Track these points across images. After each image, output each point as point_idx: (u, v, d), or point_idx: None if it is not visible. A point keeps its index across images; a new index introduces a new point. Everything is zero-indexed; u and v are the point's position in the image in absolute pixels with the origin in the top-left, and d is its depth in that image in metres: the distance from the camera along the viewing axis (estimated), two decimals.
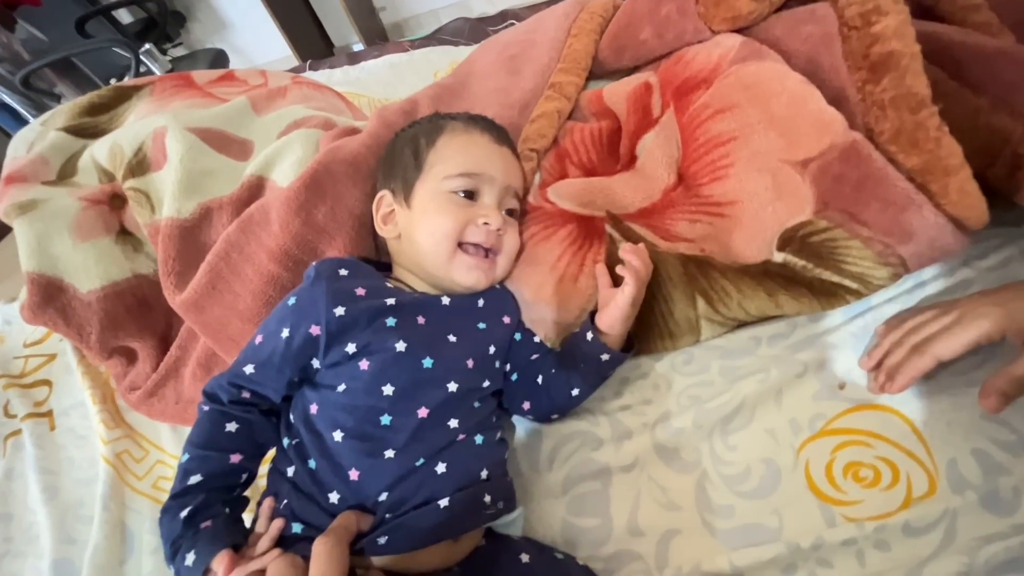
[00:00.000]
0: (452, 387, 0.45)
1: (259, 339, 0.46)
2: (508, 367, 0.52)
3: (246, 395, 0.45)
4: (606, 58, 0.69)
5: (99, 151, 0.69)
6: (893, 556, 0.39)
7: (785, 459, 0.45)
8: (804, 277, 0.48)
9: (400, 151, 0.56)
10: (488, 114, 0.68)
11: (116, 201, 0.69)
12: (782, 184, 0.47)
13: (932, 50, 0.43)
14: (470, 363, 0.47)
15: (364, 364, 0.44)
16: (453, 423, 0.44)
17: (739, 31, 0.56)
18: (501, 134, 0.57)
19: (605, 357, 0.48)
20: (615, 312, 0.47)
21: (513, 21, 1.24)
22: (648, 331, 0.51)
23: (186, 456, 0.44)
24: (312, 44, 2.76)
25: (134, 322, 0.68)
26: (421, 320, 0.47)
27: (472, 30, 1.29)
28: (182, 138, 0.64)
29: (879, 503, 0.41)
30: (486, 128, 0.56)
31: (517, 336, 0.53)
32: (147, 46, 1.83)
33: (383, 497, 0.41)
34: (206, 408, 0.45)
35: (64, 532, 0.62)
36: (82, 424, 0.73)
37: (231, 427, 0.44)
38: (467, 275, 0.50)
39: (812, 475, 0.44)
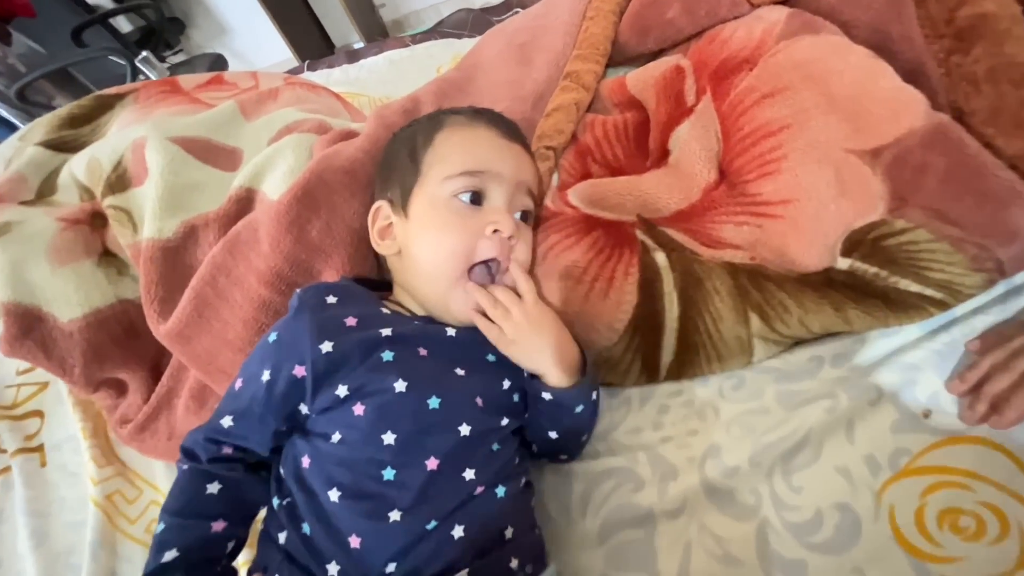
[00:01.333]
0: (464, 430, 0.38)
1: (239, 383, 0.40)
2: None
3: (227, 451, 0.40)
4: (627, 41, 0.62)
5: (77, 166, 0.64)
6: None
7: (864, 504, 0.38)
8: (876, 287, 0.40)
9: (396, 153, 0.49)
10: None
11: (97, 220, 0.64)
12: (847, 178, 0.40)
13: None
14: (479, 401, 0.41)
15: (359, 409, 0.38)
16: (469, 474, 0.38)
17: (784, 2, 0.49)
18: (510, 128, 0.50)
19: (547, 397, 0.41)
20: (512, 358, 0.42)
21: (518, 10, 1.17)
22: (691, 353, 0.45)
23: (161, 526, 0.38)
24: (313, 45, 2.71)
25: (121, 352, 0.63)
26: (423, 352, 0.41)
27: (475, 21, 1.23)
28: (163, 149, 0.58)
29: (988, 560, 0.34)
30: (492, 122, 0.49)
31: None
32: (144, 53, 1.79)
33: (391, 569, 0.35)
34: (184, 467, 0.39)
35: None
36: (74, 460, 0.68)
37: (212, 488, 0.38)
38: (464, 309, 0.43)
39: (899, 524, 0.37)
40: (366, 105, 1.06)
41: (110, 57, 1.84)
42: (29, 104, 1.63)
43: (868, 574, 0.36)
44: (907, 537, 0.36)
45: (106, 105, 0.74)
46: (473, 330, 0.44)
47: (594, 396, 0.44)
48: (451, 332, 0.43)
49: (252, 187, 0.57)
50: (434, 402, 0.38)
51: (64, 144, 0.71)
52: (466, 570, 0.34)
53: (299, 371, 0.38)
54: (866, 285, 0.41)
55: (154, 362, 0.66)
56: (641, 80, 0.55)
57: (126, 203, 0.60)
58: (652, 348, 0.45)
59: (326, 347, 0.38)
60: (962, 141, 0.36)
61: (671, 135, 0.51)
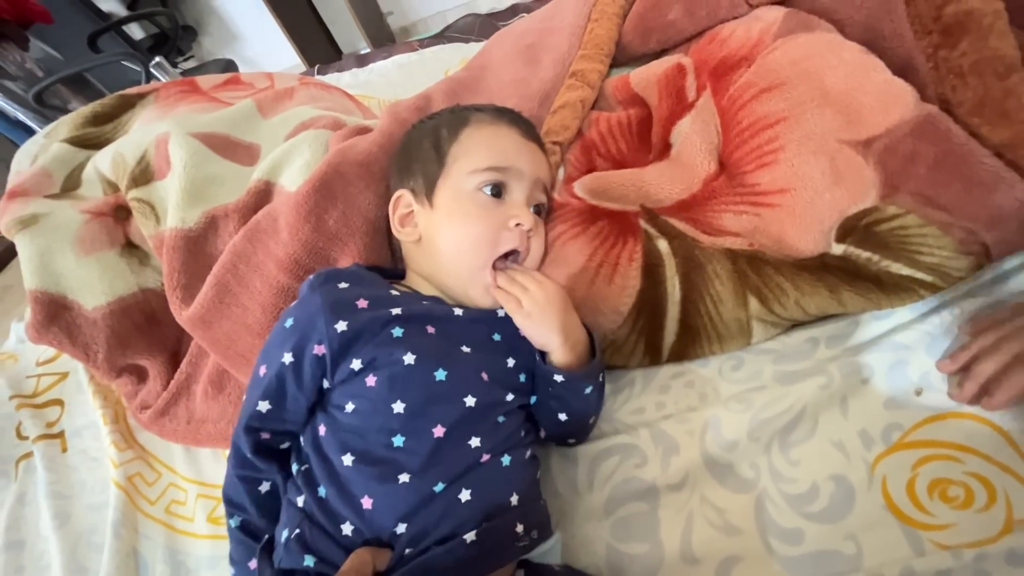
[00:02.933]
0: (470, 401, 0.41)
1: (263, 370, 0.42)
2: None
3: (266, 436, 0.42)
4: (631, 42, 0.64)
5: (102, 161, 0.66)
6: None
7: (858, 476, 0.40)
8: (869, 271, 0.42)
9: (418, 145, 0.52)
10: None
11: (121, 213, 0.67)
12: (841, 167, 0.42)
13: (1017, 6, 0.38)
14: (484, 376, 0.43)
15: (371, 380, 0.40)
16: (475, 442, 0.40)
17: (780, 3, 0.51)
18: (529, 128, 0.53)
19: (559, 378, 0.43)
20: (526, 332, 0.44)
21: (524, 15, 1.20)
22: (692, 334, 0.47)
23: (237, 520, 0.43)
24: (321, 51, 2.76)
25: (143, 339, 0.65)
26: (431, 330, 0.43)
27: (482, 26, 1.26)
28: (185, 144, 0.61)
29: (975, 527, 0.36)
30: (513, 121, 0.52)
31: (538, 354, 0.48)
32: (157, 59, 1.83)
33: (401, 529, 0.37)
34: (233, 474, 0.44)
35: (76, 561, 0.59)
36: (94, 445, 0.70)
37: (263, 488, 0.43)
38: (485, 296, 0.46)
39: (892, 494, 0.39)
40: (376, 107, 1.09)
41: (125, 63, 1.89)
42: (46, 107, 1.67)
43: (861, 540, 0.38)
44: (899, 506, 0.38)
45: (128, 104, 0.77)
46: (479, 312, 0.46)
47: (601, 379, 0.46)
48: (458, 312, 0.45)
49: (270, 180, 0.60)
50: (440, 374, 0.41)
51: (87, 141, 0.74)
52: (474, 532, 0.36)
53: (319, 350, 0.40)
54: (860, 269, 0.43)
55: (173, 350, 0.68)
56: (644, 78, 0.57)
57: (149, 196, 0.62)
58: (655, 330, 0.47)
59: (341, 326, 0.40)
60: (949, 131, 0.38)
61: (673, 129, 0.53)
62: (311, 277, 0.45)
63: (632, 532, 0.43)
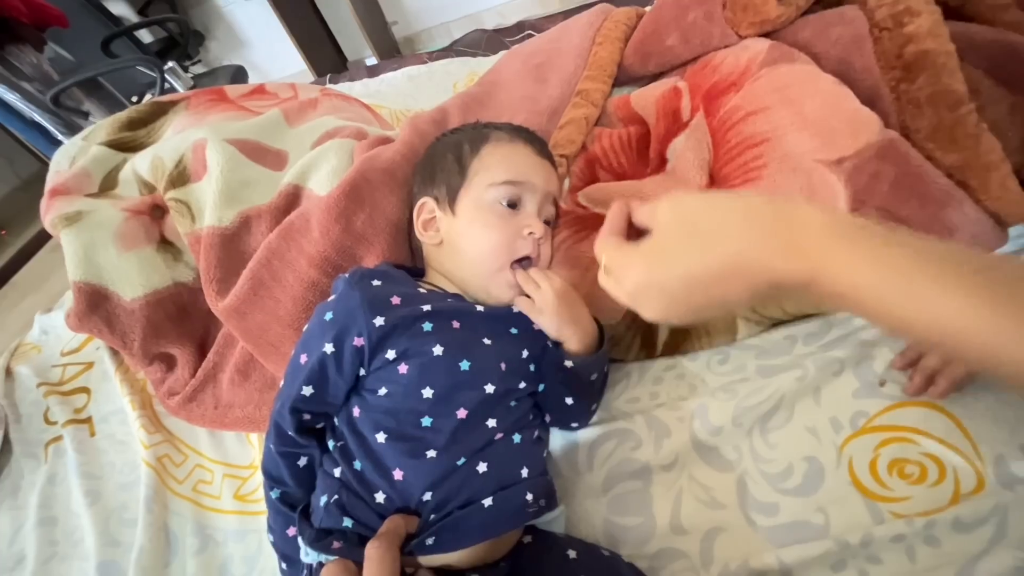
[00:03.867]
0: (489, 388, 0.46)
1: (303, 358, 0.47)
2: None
3: (307, 417, 0.47)
4: (631, 65, 0.70)
5: (140, 164, 0.71)
6: (944, 552, 0.39)
7: (828, 457, 0.45)
8: None
9: (442, 157, 0.57)
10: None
11: (157, 212, 0.72)
12: (816, 184, 0.48)
13: (965, 48, 0.44)
14: (503, 366, 0.48)
15: (403, 368, 0.45)
16: (491, 423, 0.45)
17: (766, 35, 0.57)
18: (543, 147, 0.58)
19: (568, 364, 0.48)
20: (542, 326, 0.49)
21: (530, 32, 1.27)
22: (684, 330, 0.52)
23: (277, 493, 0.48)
24: (326, 59, 2.81)
25: (174, 328, 0.70)
26: (456, 324, 0.48)
27: (489, 41, 1.32)
28: (221, 150, 0.66)
29: (927, 499, 0.41)
30: (529, 139, 0.57)
31: (548, 343, 0.53)
32: (170, 64, 1.88)
33: (427, 497, 0.42)
34: (273, 448, 0.48)
35: (108, 535, 0.63)
36: (121, 430, 0.74)
37: (301, 463, 0.48)
38: (506, 292, 0.51)
39: (856, 472, 0.44)
40: (388, 116, 1.14)
41: (139, 67, 1.94)
42: (62, 108, 1.72)
43: (829, 512, 0.43)
44: (862, 482, 0.43)
45: (161, 111, 0.82)
46: (498, 308, 0.51)
47: (605, 369, 0.51)
48: (480, 308, 0.50)
49: (300, 184, 0.65)
50: (465, 364, 0.46)
51: (123, 144, 0.79)
52: (490, 498, 0.41)
53: (358, 341, 0.45)
54: None
55: (201, 340, 0.73)
56: (644, 98, 0.63)
57: (186, 196, 0.67)
58: (650, 326, 0.53)
59: (379, 321, 0.45)
60: (908, 154, 0.44)
61: (669, 146, 0.59)
62: (347, 275, 0.50)
63: (627, 507, 0.48)
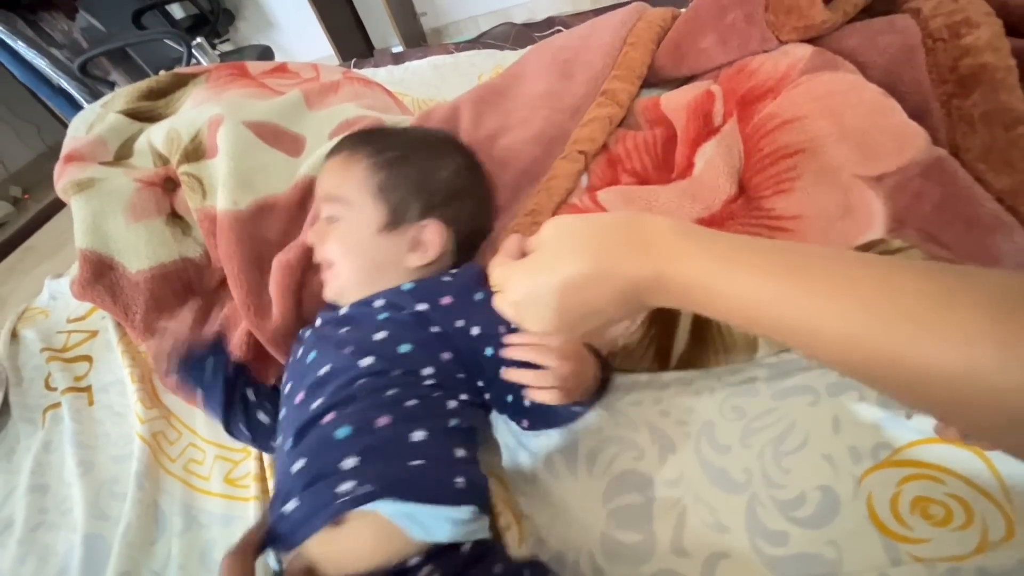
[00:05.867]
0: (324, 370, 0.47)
1: None
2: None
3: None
4: (663, 66, 0.67)
5: (156, 135, 0.71)
6: None
7: (844, 488, 0.43)
8: None
9: None
10: (537, 117, 0.67)
11: (169, 184, 0.71)
12: (853, 201, 0.45)
13: None
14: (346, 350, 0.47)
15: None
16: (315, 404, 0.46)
17: (809, 41, 0.55)
18: (331, 151, 0.58)
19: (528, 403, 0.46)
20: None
21: (560, 28, 1.24)
22: (702, 345, 0.50)
23: None
24: (353, 45, 2.81)
25: (178, 304, 0.69)
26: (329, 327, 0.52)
27: (518, 35, 1.30)
28: (236, 132, 0.65)
29: (950, 544, 0.39)
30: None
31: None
32: (199, 39, 1.88)
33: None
34: None
35: (98, 507, 0.62)
36: (119, 401, 0.74)
37: None
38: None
39: (875, 507, 0.41)
40: (410, 104, 1.13)
41: (167, 41, 1.95)
42: (88, 77, 1.73)
43: (843, 546, 0.40)
44: (881, 518, 0.41)
45: (181, 82, 0.81)
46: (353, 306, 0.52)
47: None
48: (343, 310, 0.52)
49: (316, 176, 0.64)
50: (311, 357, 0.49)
51: (141, 114, 0.78)
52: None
53: None
54: None
55: (203, 319, 0.72)
56: (674, 101, 0.61)
57: (199, 171, 0.66)
58: (667, 339, 0.50)
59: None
60: (956, 174, 0.41)
61: (697, 151, 0.56)
62: None
63: (627, 521, 0.46)
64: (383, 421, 0.42)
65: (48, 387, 0.78)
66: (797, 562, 0.41)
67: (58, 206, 2.74)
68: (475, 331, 0.48)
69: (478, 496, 0.43)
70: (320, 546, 0.39)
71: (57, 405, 0.75)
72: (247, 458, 0.64)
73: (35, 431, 0.73)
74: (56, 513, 0.64)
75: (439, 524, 0.39)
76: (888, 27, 0.49)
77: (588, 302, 0.32)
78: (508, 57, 1.26)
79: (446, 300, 0.48)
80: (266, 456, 0.62)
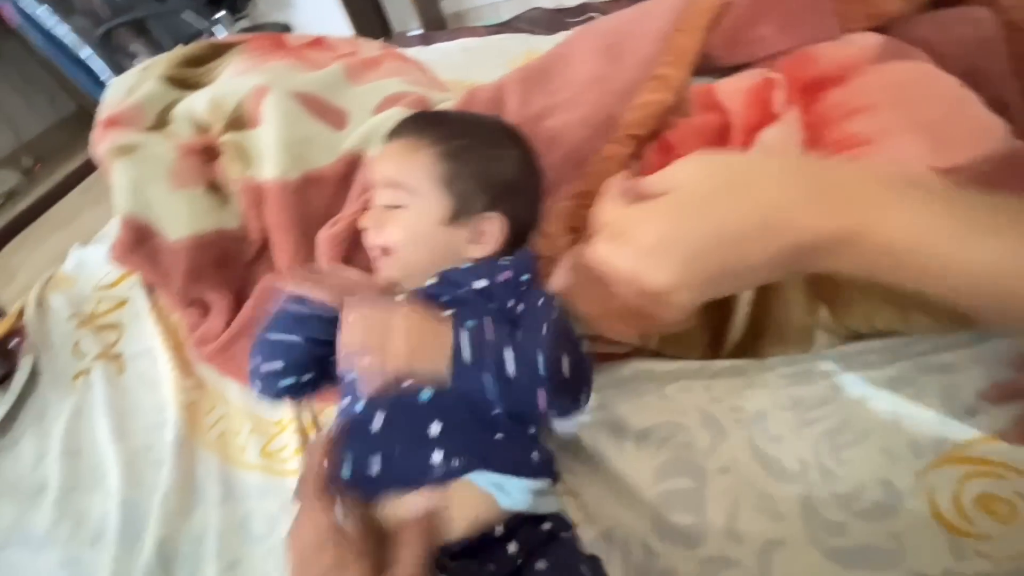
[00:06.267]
0: None
1: None
2: None
3: None
4: (715, 53, 0.66)
5: (198, 103, 0.70)
6: None
7: (905, 482, 0.42)
8: None
9: None
10: (585, 100, 0.66)
11: (208, 154, 0.70)
12: None
13: None
14: None
15: None
16: None
17: (876, 30, 0.54)
18: (392, 132, 0.55)
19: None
20: None
21: (594, 14, 1.22)
22: (757, 334, 0.49)
23: None
24: (373, 26, 2.78)
25: (214, 275, 0.68)
26: None
27: (550, 20, 1.28)
28: (283, 102, 0.64)
29: (1016, 541, 0.38)
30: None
31: None
32: (221, 13, 1.87)
33: None
34: None
35: (133, 474, 0.62)
36: (151, 371, 0.73)
37: None
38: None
39: (938, 502, 0.41)
40: None
41: (185, 17, 1.93)
42: (110, 47, 1.72)
43: (905, 540, 0.40)
44: (944, 514, 0.40)
45: (219, 51, 0.80)
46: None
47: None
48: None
49: (362, 150, 0.63)
50: None
51: (180, 81, 0.77)
52: None
53: None
54: None
55: (238, 290, 0.72)
56: (731, 88, 0.60)
57: (241, 141, 0.65)
58: (721, 327, 0.50)
59: None
60: None
61: (756, 137, 0.55)
62: None
63: (679, 503, 0.46)
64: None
65: (77, 353, 0.78)
66: (857, 554, 0.41)
67: (72, 176, 2.73)
68: (519, 309, 0.48)
69: (551, 470, 0.45)
70: (411, 510, 0.39)
71: (87, 372, 0.75)
72: (282, 431, 0.64)
73: (65, 396, 0.73)
74: (90, 478, 0.64)
75: (523, 494, 0.41)
76: (963, 17, 0.48)
77: (745, 258, 0.27)
78: (540, 42, 1.24)
79: (505, 275, 0.48)
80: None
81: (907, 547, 0.40)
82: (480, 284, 0.47)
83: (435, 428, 0.42)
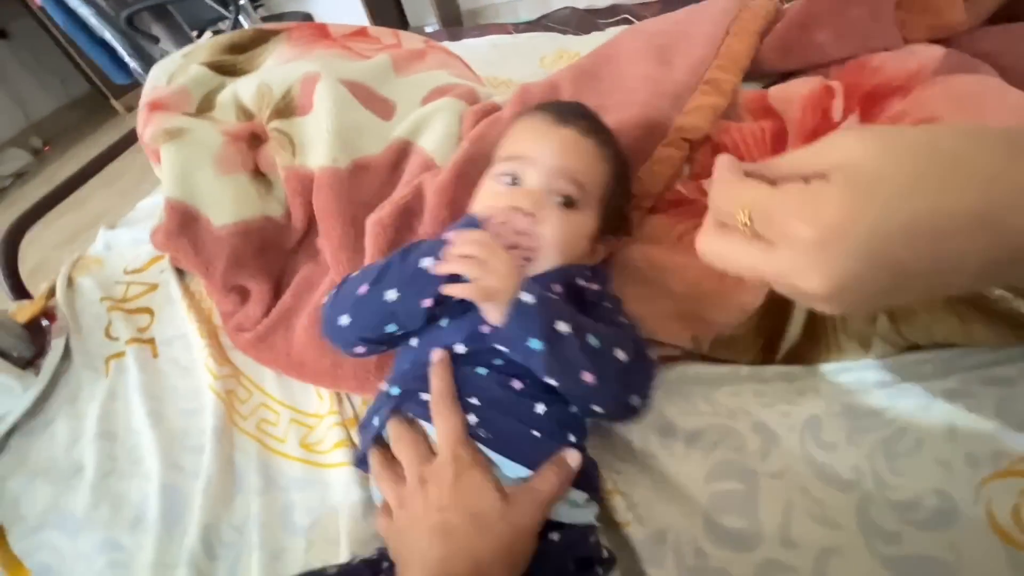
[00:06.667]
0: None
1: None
2: None
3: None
4: (768, 59, 0.66)
5: (244, 89, 0.69)
6: None
7: (962, 493, 0.42)
8: (997, 308, 0.45)
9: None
10: (636, 101, 0.66)
11: (254, 140, 0.70)
12: None
13: None
14: None
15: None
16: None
17: (938, 42, 0.54)
18: (567, 116, 0.53)
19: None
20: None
21: (626, 16, 1.22)
22: (813, 341, 0.49)
23: None
24: (391, 20, 2.79)
25: (255, 262, 0.68)
26: None
27: (581, 20, 1.28)
28: (334, 89, 0.64)
29: None
30: (553, 111, 0.53)
31: None
32: (243, 1, 1.86)
33: None
34: None
35: (171, 459, 0.62)
36: (185, 356, 0.73)
37: None
38: None
39: (996, 515, 0.41)
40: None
41: (208, 2, 1.92)
42: (133, 30, 1.71)
43: (963, 552, 0.40)
44: (1003, 526, 0.40)
45: (262, 38, 0.80)
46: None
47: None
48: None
49: (410, 140, 0.63)
50: None
51: (223, 67, 0.77)
52: None
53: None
54: (987, 304, 0.45)
55: (277, 279, 0.71)
56: (786, 94, 0.60)
57: (290, 129, 0.65)
58: (776, 332, 0.50)
59: None
60: None
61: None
62: None
63: (731, 506, 0.46)
64: (518, 385, 0.44)
65: (109, 336, 0.78)
66: (915, 563, 0.41)
67: (83, 160, 2.72)
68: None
69: (591, 484, 0.45)
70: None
71: (121, 355, 0.75)
72: (320, 423, 0.64)
73: (98, 379, 0.73)
74: (127, 461, 0.64)
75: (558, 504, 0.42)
76: None
77: (940, 255, 0.21)
78: (571, 41, 1.24)
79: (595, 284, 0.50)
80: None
81: (964, 558, 0.40)
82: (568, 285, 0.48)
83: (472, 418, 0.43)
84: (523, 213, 0.47)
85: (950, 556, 0.40)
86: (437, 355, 0.45)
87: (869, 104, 0.53)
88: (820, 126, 0.56)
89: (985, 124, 0.30)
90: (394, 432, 0.45)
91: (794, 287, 0.25)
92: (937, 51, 0.51)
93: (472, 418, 0.42)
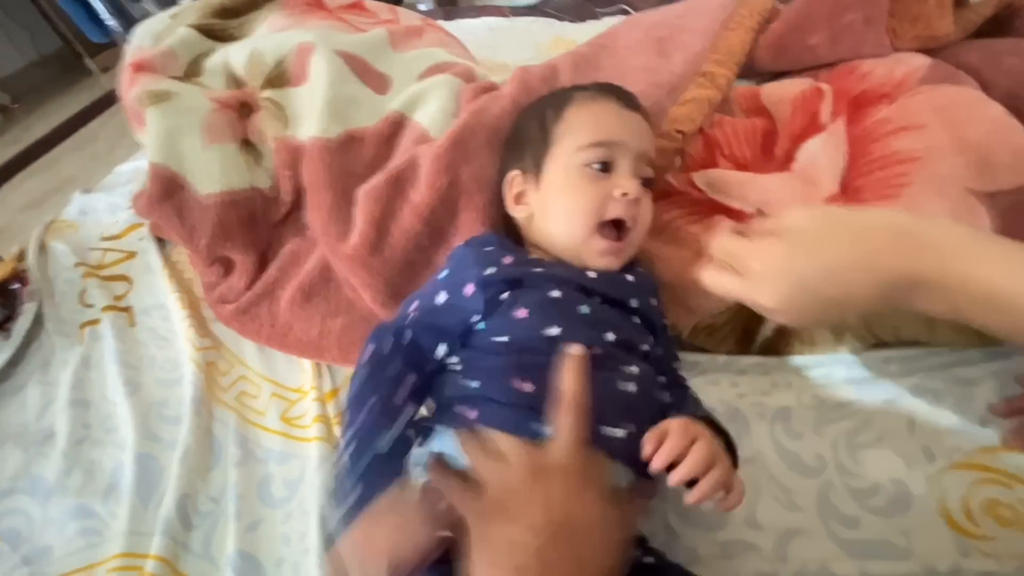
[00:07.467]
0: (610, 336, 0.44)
1: (415, 304, 0.47)
2: None
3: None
4: (761, 58, 0.67)
5: (236, 56, 0.68)
6: None
7: (917, 484, 0.45)
8: None
9: (526, 127, 0.55)
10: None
11: (244, 109, 0.68)
12: (960, 213, 0.47)
13: None
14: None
15: (521, 312, 0.43)
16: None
17: (924, 52, 0.55)
18: (630, 99, 0.54)
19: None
20: None
21: (623, 6, 1.22)
22: (788, 334, 0.51)
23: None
24: None
25: (241, 234, 0.67)
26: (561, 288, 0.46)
27: (578, 8, 1.27)
28: (330, 60, 0.63)
29: (1019, 543, 0.41)
30: (615, 94, 0.54)
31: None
32: None
33: None
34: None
35: (147, 428, 0.61)
36: (163, 326, 0.72)
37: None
38: (599, 260, 0.49)
39: (948, 506, 0.44)
40: None
41: None
42: None
43: (913, 538, 0.43)
44: (953, 517, 0.43)
45: (254, 4, 0.78)
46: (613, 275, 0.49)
47: None
48: (592, 275, 0.48)
49: (405, 113, 0.62)
50: (584, 309, 0.44)
51: (212, 31, 0.74)
52: None
53: (469, 289, 0.44)
54: None
55: (262, 252, 0.70)
56: (777, 94, 0.61)
57: (282, 99, 0.64)
58: (754, 323, 0.52)
59: (489, 271, 0.45)
60: None
61: (801, 145, 0.57)
62: (459, 245, 0.51)
63: None
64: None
65: (84, 303, 0.76)
66: (870, 546, 0.43)
67: (52, 120, 2.60)
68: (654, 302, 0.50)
69: None
70: None
71: (96, 322, 0.73)
72: (303, 398, 0.64)
73: (72, 345, 0.71)
74: (100, 430, 0.63)
75: None
76: (1013, 48, 0.50)
77: (846, 291, 0.34)
78: (567, 28, 1.24)
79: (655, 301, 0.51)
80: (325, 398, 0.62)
81: (915, 543, 0.43)
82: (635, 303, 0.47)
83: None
84: (629, 199, 0.48)
85: (902, 541, 0.43)
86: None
87: (856, 109, 0.55)
88: (808, 128, 0.57)
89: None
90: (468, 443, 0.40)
91: (757, 304, 0.38)
92: (923, 60, 0.53)
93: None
